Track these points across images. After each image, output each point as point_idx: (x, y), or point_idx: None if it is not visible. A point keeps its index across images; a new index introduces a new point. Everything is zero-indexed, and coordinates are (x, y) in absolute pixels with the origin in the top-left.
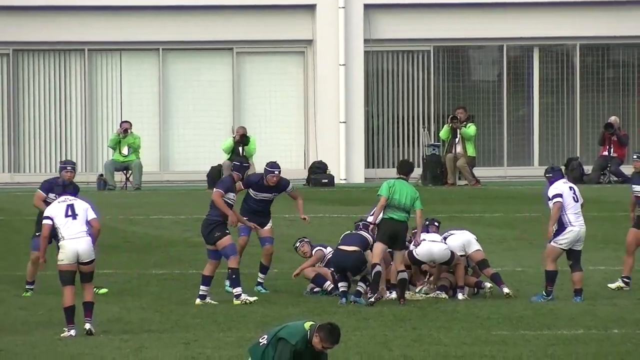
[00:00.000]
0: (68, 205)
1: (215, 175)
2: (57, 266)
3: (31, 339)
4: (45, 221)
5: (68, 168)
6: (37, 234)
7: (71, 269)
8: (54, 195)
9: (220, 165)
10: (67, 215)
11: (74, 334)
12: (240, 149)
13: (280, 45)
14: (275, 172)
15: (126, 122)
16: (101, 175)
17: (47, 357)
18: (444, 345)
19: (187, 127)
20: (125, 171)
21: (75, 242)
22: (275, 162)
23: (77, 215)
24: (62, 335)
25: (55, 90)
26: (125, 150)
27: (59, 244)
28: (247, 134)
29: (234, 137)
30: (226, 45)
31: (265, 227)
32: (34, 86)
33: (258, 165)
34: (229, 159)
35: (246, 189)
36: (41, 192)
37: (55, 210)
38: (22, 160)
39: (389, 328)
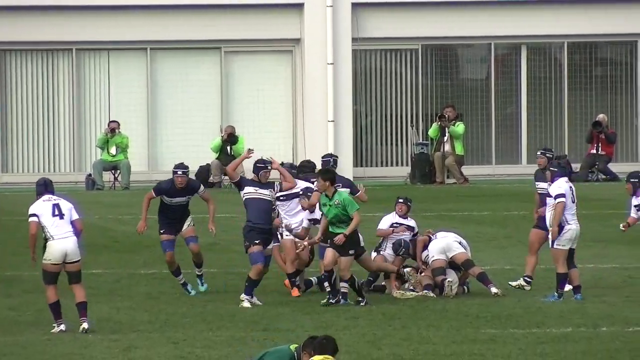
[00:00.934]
0: (54, 205)
1: (204, 175)
2: (42, 265)
3: (21, 339)
4: (31, 219)
5: None
6: None
7: (56, 270)
8: None
9: (209, 165)
10: (54, 215)
11: (64, 328)
12: (229, 148)
13: (268, 44)
14: (179, 172)
15: (114, 121)
16: (89, 175)
17: (37, 358)
18: (433, 343)
19: (175, 126)
20: (113, 171)
21: (63, 241)
22: (181, 163)
23: (63, 215)
24: (52, 331)
25: (43, 89)
26: (113, 150)
27: (46, 243)
28: (236, 133)
29: (222, 136)
30: (214, 44)
31: (187, 228)
32: (22, 86)
33: (247, 164)
34: (217, 158)
35: (158, 197)
36: None
37: (41, 208)
38: (10, 160)
39: (378, 327)
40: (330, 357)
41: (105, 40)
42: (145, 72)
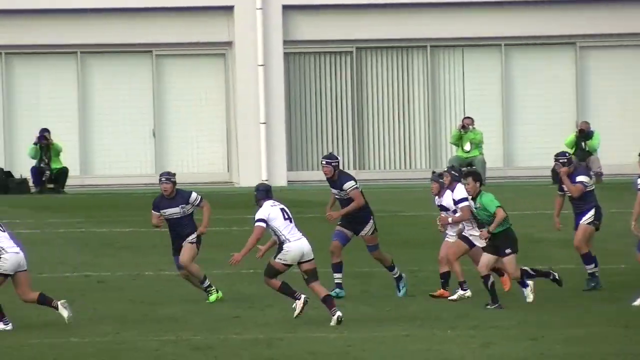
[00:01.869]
0: (281, 209)
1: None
2: (273, 263)
3: (379, 335)
4: (259, 224)
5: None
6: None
7: (284, 270)
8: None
9: None
10: (285, 219)
11: (306, 299)
12: (583, 143)
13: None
14: None
15: (467, 118)
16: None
17: (395, 354)
18: None
19: (532, 122)
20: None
21: (300, 242)
22: None
23: (292, 219)
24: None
25: (398, 87)
26: (467, 146)
27: (284, 245)
28: (591, 129)
29: (575, 132)
30: (568, 39)
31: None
32: (377, 83)
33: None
34: (573, 154)
35: None
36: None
37: (273, 212)
38: (366, 158)
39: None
40: None
41: (460, 37)
42: (500, 68)
